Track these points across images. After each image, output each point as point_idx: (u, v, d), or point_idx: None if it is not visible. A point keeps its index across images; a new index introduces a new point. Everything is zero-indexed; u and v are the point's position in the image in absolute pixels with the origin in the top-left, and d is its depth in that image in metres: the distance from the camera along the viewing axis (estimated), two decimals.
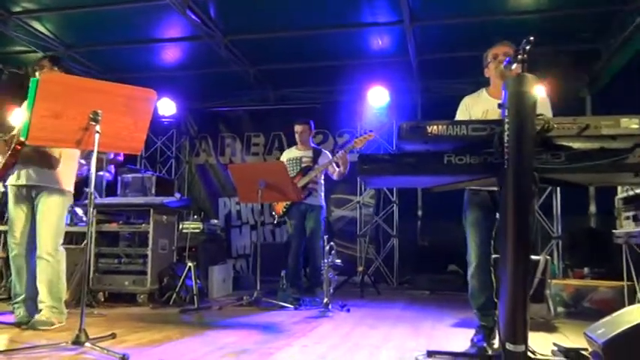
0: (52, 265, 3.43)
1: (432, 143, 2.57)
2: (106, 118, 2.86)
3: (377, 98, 7.08)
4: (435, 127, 2.55)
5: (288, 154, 5.58)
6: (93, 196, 2.94)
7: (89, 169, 6.05)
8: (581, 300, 4.50)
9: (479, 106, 3.22)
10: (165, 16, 5.85)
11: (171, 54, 6.89)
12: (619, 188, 3.69)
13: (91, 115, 2.83)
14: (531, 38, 2.21)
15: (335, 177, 5.39)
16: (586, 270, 5.71)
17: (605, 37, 5.84)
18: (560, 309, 4.50)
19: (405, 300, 5.60)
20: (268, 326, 3.75)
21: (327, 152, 5.63)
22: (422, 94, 7.56)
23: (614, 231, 3.77)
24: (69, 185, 3.60)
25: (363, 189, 7.56)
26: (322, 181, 5.45)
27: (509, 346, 2.42)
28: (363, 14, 5.85)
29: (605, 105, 6.48)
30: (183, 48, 6.80)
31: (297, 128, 5.53)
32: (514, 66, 2.72)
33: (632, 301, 3.67)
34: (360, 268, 6.18)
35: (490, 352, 2.93)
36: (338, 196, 5.83)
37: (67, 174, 3.58)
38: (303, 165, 5.42)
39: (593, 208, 6.89)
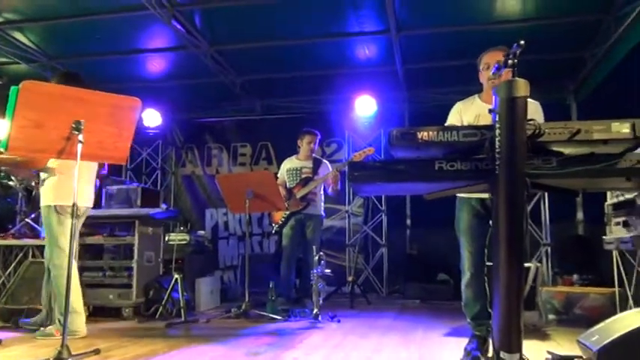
0: (52, 277, 3.65)
1: (423, 149, 2.54)
2: (89, 128, 2.80)
3: (364, 107, 7.06)
4: (426, 133, 2.51)
5: (289, 164, 5.53)
6: (75, 208, 2.86)
7: None
8: (571, 307, 4.48)
9: (471, 111, 3.21)
10: (150, 26, 5.79)
11: (156, 64, 6.82)
12: (608, 194, 3.69)
13: (74, 125, 2.76)
14: (522, 42, 2.19)
15: (329, 191, 5.36)
16: (575, 277, 5.70)
17: (590, 45, 5.89)
18: (551, 316, 4.47)
19: (396, 309, 5.54)
20: (258, 338, 3.67)
21: (327, 163, 5.58)
22: (409, 103, 7.56)
23: (604, 237, 3.76)
24: (49, 200, 3.70)
25: (351, 198, 7.52)
26: (322, 192, 5.41)
27: (503, 355, 2.38)
28: (349, 24, 5.83)
29: (591, 112, 6.53)
30: (168, 58, 6.73)
31: (308, 138, 5.47)
32: (503, 71, 2.73)
33: (623, 308, 3.65)
34: (350, 278, 6.11)
35: None
36: (326, 206, 5.77)
37: (47, 189, 3.73)
38: (303, 175, 5.37)
39: (580, 215, 6.91)
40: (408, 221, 7.48)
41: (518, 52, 2.24)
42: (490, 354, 3.03)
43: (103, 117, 2.86)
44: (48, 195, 3.70)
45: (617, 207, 3.62)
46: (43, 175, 3.77)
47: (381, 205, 7.39)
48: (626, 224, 3.40)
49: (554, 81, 6.78)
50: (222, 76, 6.94)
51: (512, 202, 2.34)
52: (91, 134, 2.82)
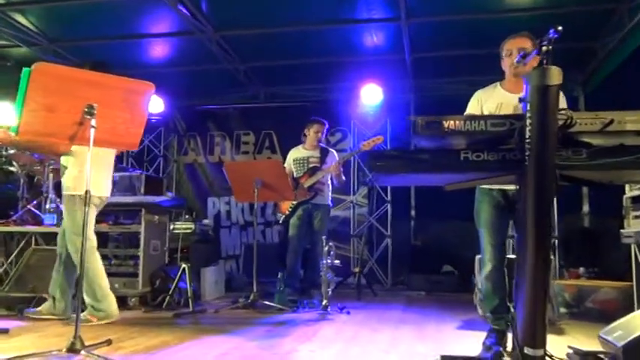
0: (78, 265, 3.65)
1: (448, 139, 2.47)
2: (101, 113, 2.70)
3: (370, 96, 6.97)
4: (452, 122, 2.43)
5: (295, 154, 5.41)
6: (88, 196, 2.77)
7: None
8: (583, 300, 4.45)
9: (492, 100, 3.13)
10: (154, 10, 5.67)
11: (160, 49, 6.70)
12: (627, 187, 3.64)
13: (86, 109, 2.66)
14: (560, 28, 2.10)
15: (335, 181, 5.28)
16: (581, 270, 5.67)
17: (602, 36, 5.81)
18: (562, 309, 4.44)
19: (403, 301, 5.50)
20: (269, 330, 3.61)
21: (335, 152, 5.49)
22: (415, 92, 7.46)
23: (622, 230, 3.70)
24: (72, 189, 3.71)
25: (356, 188, 7.44)
26: (330, 181, 5.33)
27: (527, 351, 2.32)
28: (358, 10, 5.72)
29: (599, 105, 6.46)
30: (172, 43, 6.61)
31: (316, 127, 5.35)
32: (528, 59, 2.65)
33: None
34: (357, 269, 6.05)
35: (506, 357, 2.83)
36: (332, 195, 5.72)
37: (69, 178, 3.73)
38: (310, 165, 5.28)
39: (586, 208, 6.88)
40: (413, 212, 7.41)
41: (554, 38, 2.16)
42: (509, 348, 3.00)
43: (116, 101, 2.77)
44: (72, 183, 3.69)
45: (637, 200, 3.56)
46: (64, 161, 3.73)
47: (387, 196, 7.32)
48: None
49: (562, 71, 6.67)
50: (226, 62, 6.83)
51: (541, 194, 2.27)
52: (104, 119, 2.73)
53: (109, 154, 3.93)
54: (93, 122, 2.67)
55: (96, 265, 3.72)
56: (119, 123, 2.83)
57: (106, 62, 3.78)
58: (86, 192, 2.74)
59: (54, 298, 3.83)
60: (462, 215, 6.63)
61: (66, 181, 3.72)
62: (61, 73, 2.62)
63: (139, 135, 2.96)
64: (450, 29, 5.94)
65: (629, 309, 4.05)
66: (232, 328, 3.64)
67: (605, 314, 4.18)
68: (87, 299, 3.62)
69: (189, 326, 3.78)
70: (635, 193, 3.54)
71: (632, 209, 3.57)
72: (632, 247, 3.64)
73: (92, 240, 3.77)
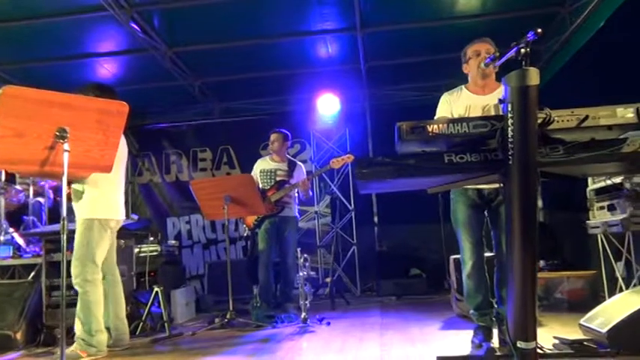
0: (80, 295, 3.48)
1: (432, 143, 2.52)
2: (74, 135, 2.58)
3: (328, 106, 7.00)
4: (436, 126, 2.49)
5: (262, 165, 5.34)
6: (63, 222, 2.63)
7: (26, 196, 5.61)
8: (551, 292, 4.60)
9: (460, 103, 3.19)
10: (105, 29, 5.51)
11: (110, 68, 6.49)
12: (589, 180, 3.81)
13: (57, 133, 2.54)
14: (539, 30, 2.19)
15: (302, 195, 5.26)
16: (542, 263, 5.87)
17: (545, 39, 6.09)
18: None
19: (377, 307, 5.51)
20: (255, 348, 3.53)
21: (302, 165, 5.47)
22: (370, 100, 7.57)
23: (587, 222, 3.87)
24: (90, 214, 3.58)
25: (319, 198, 7.44)
26: (296, 194, 5.29)
27: (520, 344, 2.39)
28: (311, 22, 5.76)
29: (544, 105, 6.73)
30: (123, 62, 6.42)
31: (270, 137, 5.35)
32: (499, 63, 2.76)
33: (611, 290, 3.78)
34: (328, 280, 6.03)
35: (499, 353, 2.89)
36: (297, 207, 5.71)
37: (86, 202, 3.61)
38: (277, 178, 5.22)
39: (539, 203, 7.15)
40: (376, 218, 7.47)
41: (535, 39, 2.25)
42: (497, 344, 3.06)
43: (89, 123, 2.66)
44: (88, 208, 3.58)
45: (600, 192, 3.74)
46: (78, 186, 3.59)
47: (350, 204, 7.35)
48: (611, 208, 3.51)
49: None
50: (180, 79, 6.71)
51: (526, 191, 2.35)
52: (77, 142, 2.61)
53: (123, 176, 3.89)
54: (66, 146, 2.55)
55: (98, 296, 3.54)
56: (93, 145, 2.72)
57: (111, 87, 3.78)
58: (63, 219, 2.61)
59: (109, 329, 3.69)
60: (424, 218, 6.81)
61: (82, 204, 3.60)
62: (31, 96, 2.49)
63: (113, 157, 2.86)
64: (403, 37, 6.06)
65: (597, 296, 4.25)
66: (217, 349, 3.54)
67: (574, 303, 4.37)
68: (78, 331, 3.43)
69: (171, 352, 3.64)
70: (599, 185, 3.71)
71: (596, 201, 3.74)
72: (599, 236, 3.82)
73: (99, 267, 3.60)
